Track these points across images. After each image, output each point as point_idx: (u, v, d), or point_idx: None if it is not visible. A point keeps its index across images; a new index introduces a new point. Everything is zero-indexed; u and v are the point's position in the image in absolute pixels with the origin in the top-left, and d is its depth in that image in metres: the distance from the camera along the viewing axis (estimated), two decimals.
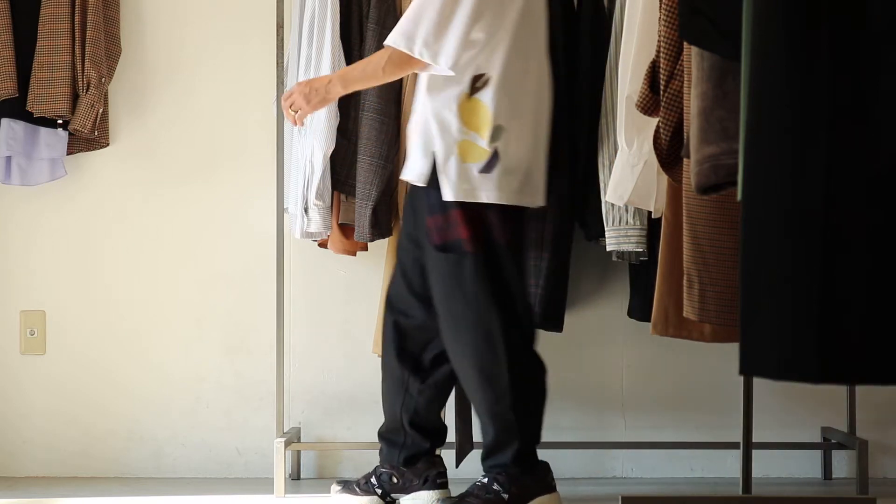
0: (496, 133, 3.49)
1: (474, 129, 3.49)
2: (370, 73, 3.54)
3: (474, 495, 3.54)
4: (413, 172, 3.52)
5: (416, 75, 3.58)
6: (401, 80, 3.86)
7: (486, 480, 3.55)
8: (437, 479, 3.67)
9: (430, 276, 3.54)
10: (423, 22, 3.43)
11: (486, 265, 3.48)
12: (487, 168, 3.48)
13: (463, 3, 3.44)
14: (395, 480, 3.67)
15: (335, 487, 3.72)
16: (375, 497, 3.65)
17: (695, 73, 2.87)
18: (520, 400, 3.53)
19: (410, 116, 3.60)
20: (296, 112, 3.58)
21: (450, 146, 3.47)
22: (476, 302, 3.48)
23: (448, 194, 3.45)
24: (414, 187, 3.54)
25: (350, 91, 3.62)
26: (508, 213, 3.51)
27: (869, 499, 3.60)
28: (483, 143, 3.47)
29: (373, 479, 3.67)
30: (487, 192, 3.47)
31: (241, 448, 4.29)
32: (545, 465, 3.61)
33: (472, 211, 3.47)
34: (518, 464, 3.54)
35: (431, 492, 3.67)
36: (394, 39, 3.45)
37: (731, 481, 3.93)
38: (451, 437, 3.89)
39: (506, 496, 3.52)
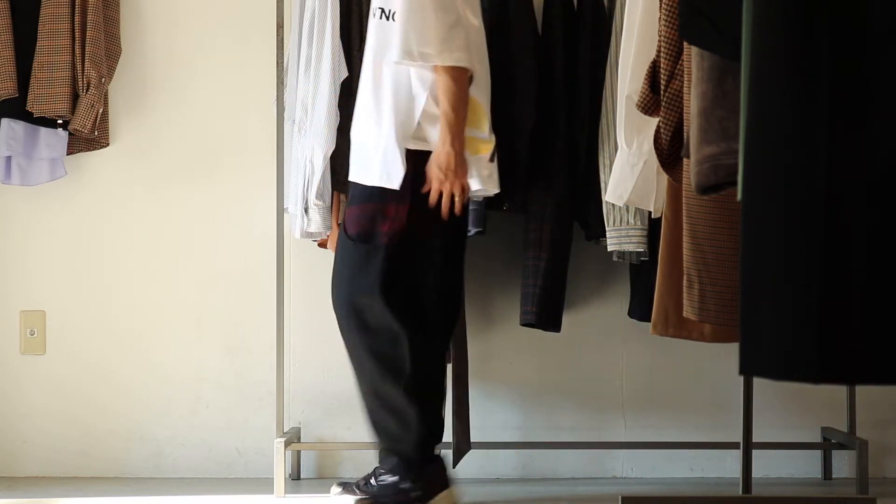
0: (490, 125, 3.62)
1: (473, 125, 3.55)
2: (460, 109, 3.50)
3: (384, 495, 3.55)
4: (389, 175, 3.51)
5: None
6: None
7: (395, 478, 3.56)
8: None
9: (336, 261, 3.62)
10: (430, 27, 3.47)
11: (400, 258, 3.54)
12: (492, 157, 3.62)
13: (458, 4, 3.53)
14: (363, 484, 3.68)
15: (335, 489, 3.72)
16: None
17: (695, 73, 2.87)
18: (419, 392, 3.55)
19: (368, 117, 3.57)
20: (457, 189, 3.50)
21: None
22: (381, 295, 3.52)
23: (475, 184, 3.57)
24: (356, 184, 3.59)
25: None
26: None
27: (869, 499, 3.60)
28: (484, 135, 3.58)
29: (372, 481, 3.67)
30: (497, 181, 3.65)
31: (241, 448, 4.29)
32: (441, 461, 3.62)
33: (407, 204, 3.52)
34: (420, 454, 3.55)
35: None
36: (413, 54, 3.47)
37: (731, 481, 3.93)
38: (448, 437, 3.89)
39: (418, 493, 3.54)
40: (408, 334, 3.53)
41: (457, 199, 3.51)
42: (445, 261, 3.61)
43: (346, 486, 3.70)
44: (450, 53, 3.46)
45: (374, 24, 3.57)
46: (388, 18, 3.51)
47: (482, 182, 3.58)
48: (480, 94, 3.58)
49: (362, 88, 3.60)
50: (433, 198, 3.49)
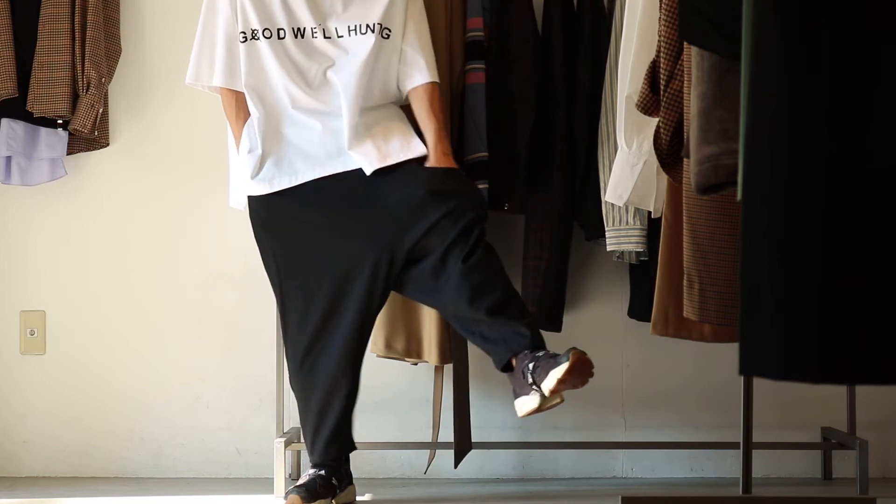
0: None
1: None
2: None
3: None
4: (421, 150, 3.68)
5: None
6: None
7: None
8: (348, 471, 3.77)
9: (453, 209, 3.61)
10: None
11: None
12: None
13: None
14: (334, 481, 3.70)
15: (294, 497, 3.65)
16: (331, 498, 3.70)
17: (695, 73, 2.87)
18: None
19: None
20: None
21: None
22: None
23: None
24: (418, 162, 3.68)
25: None
26: None
27: (869, 499, 3.60)
28: None
29: (333, 480, 3.68)
30: None
31: (241, 448, 4.30)
32: None
33: None
34: None
35: (352, 485, 3.76)
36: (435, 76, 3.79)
37: (731, 481, 3.93)
38: (449, 436, 3.90)
39: None
40: None
41: None
42: None
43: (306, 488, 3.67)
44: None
45: (369, 41, 3.67)
46: (386, 38, 3.68)
47: None
48: None
49: (368, 103, 3.68)
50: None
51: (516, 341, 3.47)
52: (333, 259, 3.62)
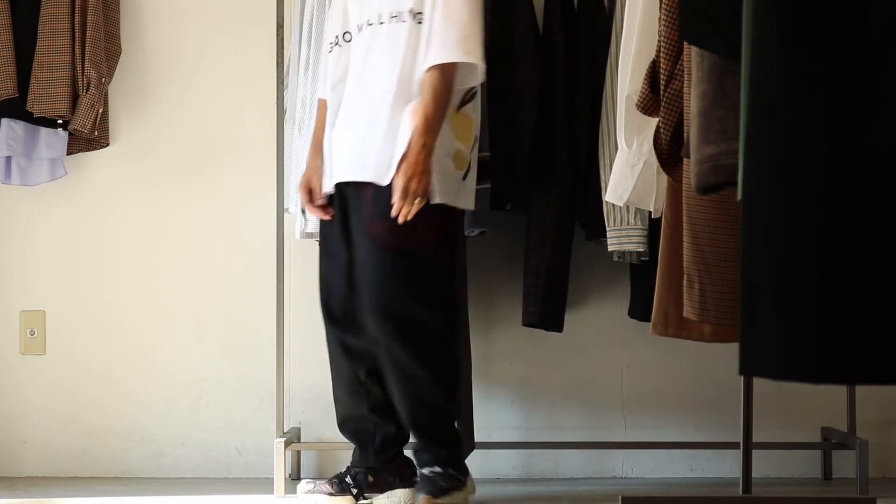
0: (474, 144, 3.59)
1: (463, 141, 3.54)
2: (442, 105, 3.47)
3: (436, 481, 3.58)
4: (382, 174, 3.48)
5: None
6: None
7: (437, 470, 3.57)
8: (411, 476, 3.69)
9: (368, 278, 3.51)
10: (473, 30, 3.50)
11: (446, 268, 3.54)
12: (465, 175, 3.56)
13: (479, 13, 3.54)
14: (370, 479, 3.68)
15: (303, 486, 3.69)
16: (350, 497, 3.65)
17: (695, 73, 2.87)
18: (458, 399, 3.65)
19: (374, 123, 3.52)
20: (416, 196, 3.42)
21: (447, 155, 3.49)
22: (432, 304, 3.51)
23: (439, 198, 3.46)
24: (376, 190, 3.48)
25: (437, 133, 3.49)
26: (455, 216, 3.60)
27: (869, 499, 3.59)
28: (466, 152, 3.55)
29: (347, 479, 3.67)
30: (466, 198, 3.56)
31: (241, 448, 4.30)
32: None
33: (438, 215, 3.49)
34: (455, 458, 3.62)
35: (407, 490, 3.69)
36: (453, 55, 3.46)
37: (731, 481, 3.93)
38: None
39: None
40: (451, 338, 3.56)
41: (418, 203, 3.43)
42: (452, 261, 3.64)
43: (318, 485, 3.68)
44: (474, 50, 3.49)
45: (402, 28, 3.53)
46: (419, 22, 3.52)
47: (453, 199, 3.52)
48: (474, 111, 3.59)
49: (386, 92, 3.51)
50: (401, 197, 3.42)
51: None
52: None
